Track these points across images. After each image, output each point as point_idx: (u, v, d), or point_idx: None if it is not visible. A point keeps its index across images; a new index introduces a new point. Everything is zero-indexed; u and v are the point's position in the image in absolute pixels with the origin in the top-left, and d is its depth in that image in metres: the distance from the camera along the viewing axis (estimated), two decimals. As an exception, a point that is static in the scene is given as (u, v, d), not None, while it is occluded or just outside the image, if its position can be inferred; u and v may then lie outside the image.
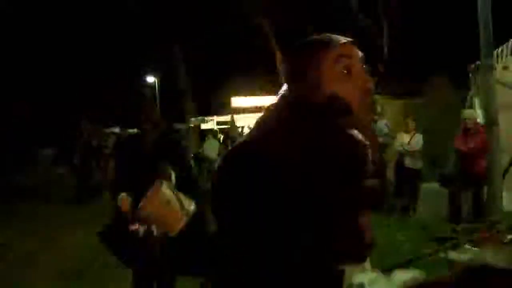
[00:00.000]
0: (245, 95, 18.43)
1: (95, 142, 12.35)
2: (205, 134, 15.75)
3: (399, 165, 7.80)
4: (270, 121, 1.26)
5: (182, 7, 18.08)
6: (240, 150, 1.26)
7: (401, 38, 14.17)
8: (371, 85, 1.27)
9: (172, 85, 20.80)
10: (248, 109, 18.88)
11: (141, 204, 3.36)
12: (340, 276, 1.19)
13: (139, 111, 3.91)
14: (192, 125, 20.22)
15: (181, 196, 3.48)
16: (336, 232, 1.18)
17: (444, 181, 7.51)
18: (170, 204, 3.41)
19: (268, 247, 1.15)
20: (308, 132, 1.18)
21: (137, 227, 3.57)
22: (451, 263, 4.12)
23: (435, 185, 7.63)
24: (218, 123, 18.92)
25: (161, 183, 3.43)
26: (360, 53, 1.29)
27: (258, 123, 1.29)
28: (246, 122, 17.25)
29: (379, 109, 8.82)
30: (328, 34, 1.31)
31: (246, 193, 1.16)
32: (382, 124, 8.24)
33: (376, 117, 8.44)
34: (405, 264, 4.68)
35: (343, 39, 1.28)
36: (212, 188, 1.29)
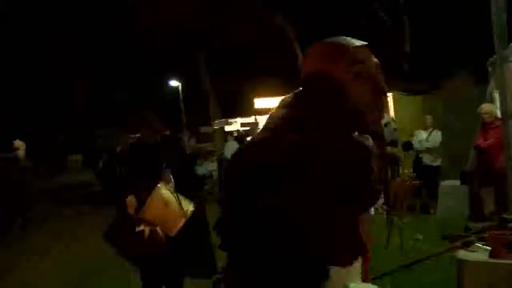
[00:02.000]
0: (268, 96, 18.41)
1: (119, 148, 12.57)
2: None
3: (418, 163, 7.64)
4: (280, 120, 1.33)
5: (205, 10, 18.32)
6: (244, 150, 1.38)
7: (422, 34, 13.96)
8: (383, 88, 1.34)
9: (196, 89, 21.02)
10: (271, 110, 18.70)
11: (143, 208, 3.52)
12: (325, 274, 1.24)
13: (139, 118, 4.04)
14: (216, 128, 20.37)
15: (181, 197, 3.60)
16: (330, 236, 1.23)
17: (464, 178, 7.33)
18: (168, 205, 3.54)
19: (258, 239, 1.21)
20: (316, 136, 1.23)
21: (143, 228, 3.65)
22: (459, 262, 4.03)
23: (455, 183, 7.45)
24: (242, 124, 19.00)
25: (159, 186, 3.55)
26: (374, 58, 1.36)
27: (268, 122, 1.38)
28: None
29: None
30: (343, 37, 1.36)
31: (245, 191, 1.25)
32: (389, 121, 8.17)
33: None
34: (411, 266, 4.61)
35: (357, 43, 1.34)
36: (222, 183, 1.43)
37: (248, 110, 20.01)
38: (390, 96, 9.95)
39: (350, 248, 1.29)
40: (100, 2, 18.76)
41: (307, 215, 1.18)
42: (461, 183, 7.30)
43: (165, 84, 22.67)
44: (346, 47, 1.33)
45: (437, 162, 7.59)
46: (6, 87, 22.39)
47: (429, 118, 7.64)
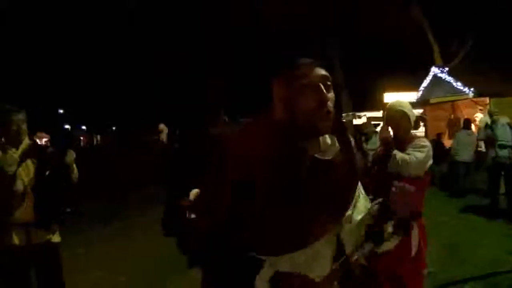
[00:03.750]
0: (399, 91, 17.77)
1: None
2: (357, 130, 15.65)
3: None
4: (250, 128, 1.65)
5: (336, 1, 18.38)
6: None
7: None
8: (326, 98, 1.53)
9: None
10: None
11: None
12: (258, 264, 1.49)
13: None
14: (345, 121, 20.32)
15: None
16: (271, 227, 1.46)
17: None
18: None
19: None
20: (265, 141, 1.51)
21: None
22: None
23: None
24: (369, 118, 18.65)
25: None
26: (321, 71, 1.57)
27: (243, 127, 1.70)
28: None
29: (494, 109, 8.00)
30: (299, 59, 1.59)
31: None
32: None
33: (495, 117, 7.68)
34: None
35: (303, 60, 1.58)
36: None
37: (378, 104, 19.60)
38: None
39: (282, 242, 1.50)
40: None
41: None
42: None
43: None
44: (293, 64, 1.57)
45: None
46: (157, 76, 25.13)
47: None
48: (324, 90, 1.53)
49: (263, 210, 1.44)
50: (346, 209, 1.64)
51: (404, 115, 3.43)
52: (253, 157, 1.46)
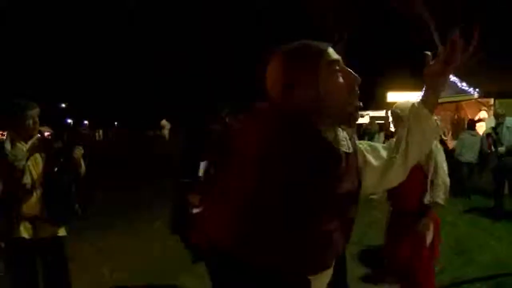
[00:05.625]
0: (402, 90, 17.70)
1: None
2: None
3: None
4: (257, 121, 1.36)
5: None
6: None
7: None
8: (357, 80, 1.36)
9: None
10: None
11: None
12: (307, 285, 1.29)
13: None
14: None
15: None
16: (298, 236, 1.26)
17: None
18: None
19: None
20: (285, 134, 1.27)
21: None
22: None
23: None
24: (372, 118, 18.59)
25: None
26: (339, 56, 1.38)
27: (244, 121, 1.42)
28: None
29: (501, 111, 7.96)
30: (312, 42, 1.39)
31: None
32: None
33: (500, 119, 7.65)
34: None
35: (327, 45, 1.38)
36: None
37: (380, 103, 19.53)
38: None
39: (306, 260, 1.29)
40: None
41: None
42: None
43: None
44: (322, 50, 1.35)
45: None
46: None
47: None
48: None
49: (293, 217, 1.25)
50: (355, 206, 1.47)
51: (397, 116, 3.35)
52: (268, 155, 1.24)
